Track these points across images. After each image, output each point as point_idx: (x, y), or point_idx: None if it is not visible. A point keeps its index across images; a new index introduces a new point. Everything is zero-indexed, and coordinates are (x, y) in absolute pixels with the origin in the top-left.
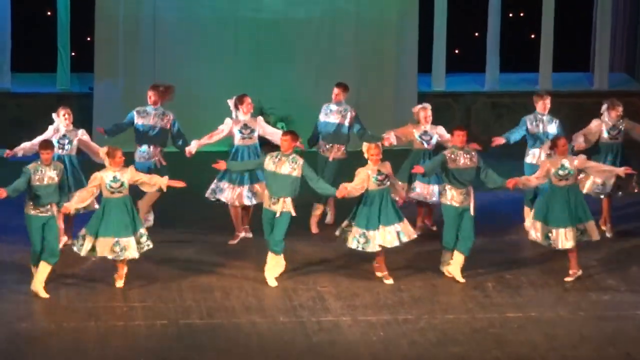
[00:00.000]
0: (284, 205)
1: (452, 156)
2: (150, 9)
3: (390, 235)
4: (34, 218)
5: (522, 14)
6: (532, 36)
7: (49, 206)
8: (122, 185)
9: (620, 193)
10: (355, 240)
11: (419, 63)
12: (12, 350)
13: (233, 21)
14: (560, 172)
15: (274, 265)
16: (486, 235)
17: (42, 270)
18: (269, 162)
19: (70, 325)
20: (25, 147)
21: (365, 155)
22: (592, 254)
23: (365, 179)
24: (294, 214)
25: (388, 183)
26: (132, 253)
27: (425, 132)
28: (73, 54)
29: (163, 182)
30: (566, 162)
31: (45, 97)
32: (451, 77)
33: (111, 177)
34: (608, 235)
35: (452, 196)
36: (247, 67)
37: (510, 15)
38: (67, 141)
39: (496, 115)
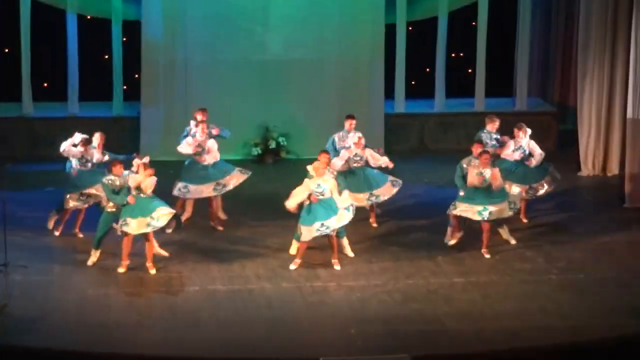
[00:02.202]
0: None
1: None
2: (182, 54)
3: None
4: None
5: (461, 54)
6: (469, 70)
7: None
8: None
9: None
10: None
11: (385, 91)
12: (81, 311)
13: (245, 62)
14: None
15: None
16: (439, 220)
17: None
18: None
19: (126, 291)
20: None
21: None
22: (515, 234)
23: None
24: None
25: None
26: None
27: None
28: (125, 87)
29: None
30: (486, 172)
31: (104, 120)
32: (409, 102)
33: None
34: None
35: None
36: (256, 97)
37: (453, 55)
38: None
39: (443, 130)
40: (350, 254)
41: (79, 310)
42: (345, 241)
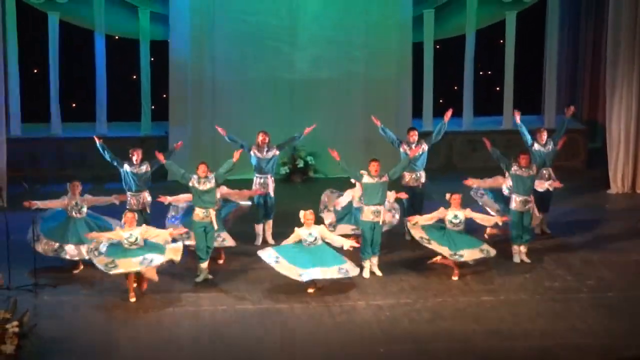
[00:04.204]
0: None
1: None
2: (210, 73)
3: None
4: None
5: (489, 72)
6: (497, 89)
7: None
8: (136, 240)
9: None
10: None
11: (412, 109)
12: (109, 330)
13: (273, 81)
14: (453, 221)
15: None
16: None
17: None
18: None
19: (154, 310)
20: (45, 203)
21: (302, 220)
22: (546, 253)
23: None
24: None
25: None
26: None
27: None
28: (153, 107)
29: (166, 234)
30: (459, 213)
31: (133, 139)
32: (437, 120)
33: (127, 234)
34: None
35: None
36: (284, 116)
37: (481, 73)
38: (79, 207)
39: (471, 149)
40: (379, 272)
41: (107, 330)
42: (375, 259)
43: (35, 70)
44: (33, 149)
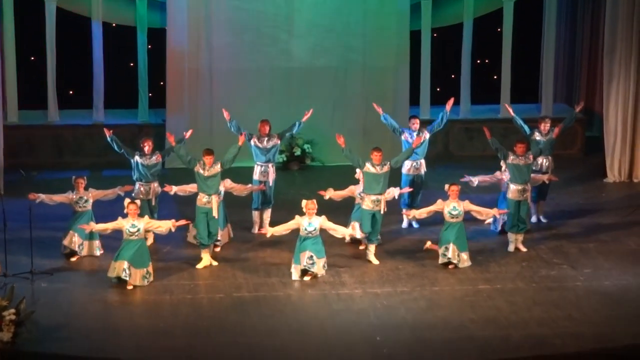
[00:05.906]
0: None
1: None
2: (207, 61)
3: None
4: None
5: (486, 61)
6: (495, 77)
7: None
8: (138, 230)
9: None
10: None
11: (410, 98)
12: (106, 316)
13: (270, 69)
14: (452, 212)
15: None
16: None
17: None
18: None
19: (151, 298)
20: (50, 197)
21: (303, 210)
22: (542, 241)
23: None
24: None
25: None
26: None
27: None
28: (150, 94)
29: (169, 225)
30: (458, 205)
31: (130, 127)
32: (434, 108)
33: (130, 225)
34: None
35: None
36: (281, 103)
37: (478, 61)
38: (84, 201)
39: (468, 137)
40: (375, 261)
41: (104, 317)
42: (372, 248)
43: (32, 58)
44: (30, 136)
